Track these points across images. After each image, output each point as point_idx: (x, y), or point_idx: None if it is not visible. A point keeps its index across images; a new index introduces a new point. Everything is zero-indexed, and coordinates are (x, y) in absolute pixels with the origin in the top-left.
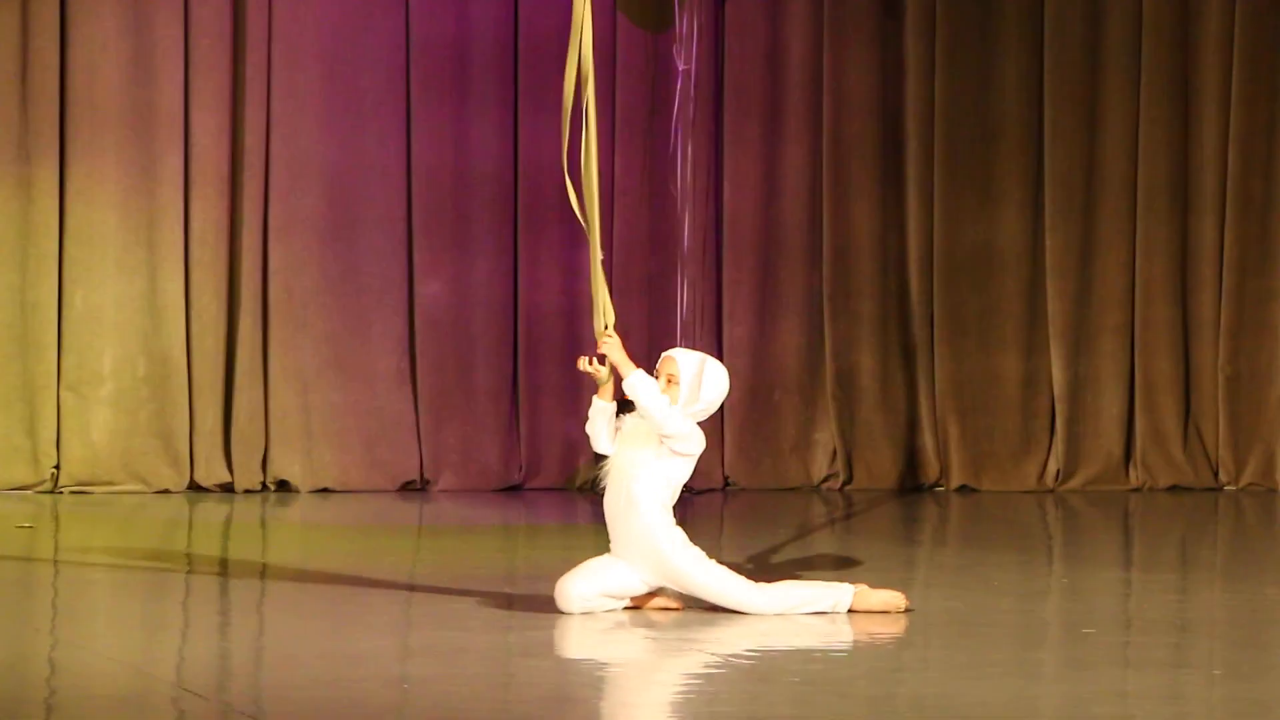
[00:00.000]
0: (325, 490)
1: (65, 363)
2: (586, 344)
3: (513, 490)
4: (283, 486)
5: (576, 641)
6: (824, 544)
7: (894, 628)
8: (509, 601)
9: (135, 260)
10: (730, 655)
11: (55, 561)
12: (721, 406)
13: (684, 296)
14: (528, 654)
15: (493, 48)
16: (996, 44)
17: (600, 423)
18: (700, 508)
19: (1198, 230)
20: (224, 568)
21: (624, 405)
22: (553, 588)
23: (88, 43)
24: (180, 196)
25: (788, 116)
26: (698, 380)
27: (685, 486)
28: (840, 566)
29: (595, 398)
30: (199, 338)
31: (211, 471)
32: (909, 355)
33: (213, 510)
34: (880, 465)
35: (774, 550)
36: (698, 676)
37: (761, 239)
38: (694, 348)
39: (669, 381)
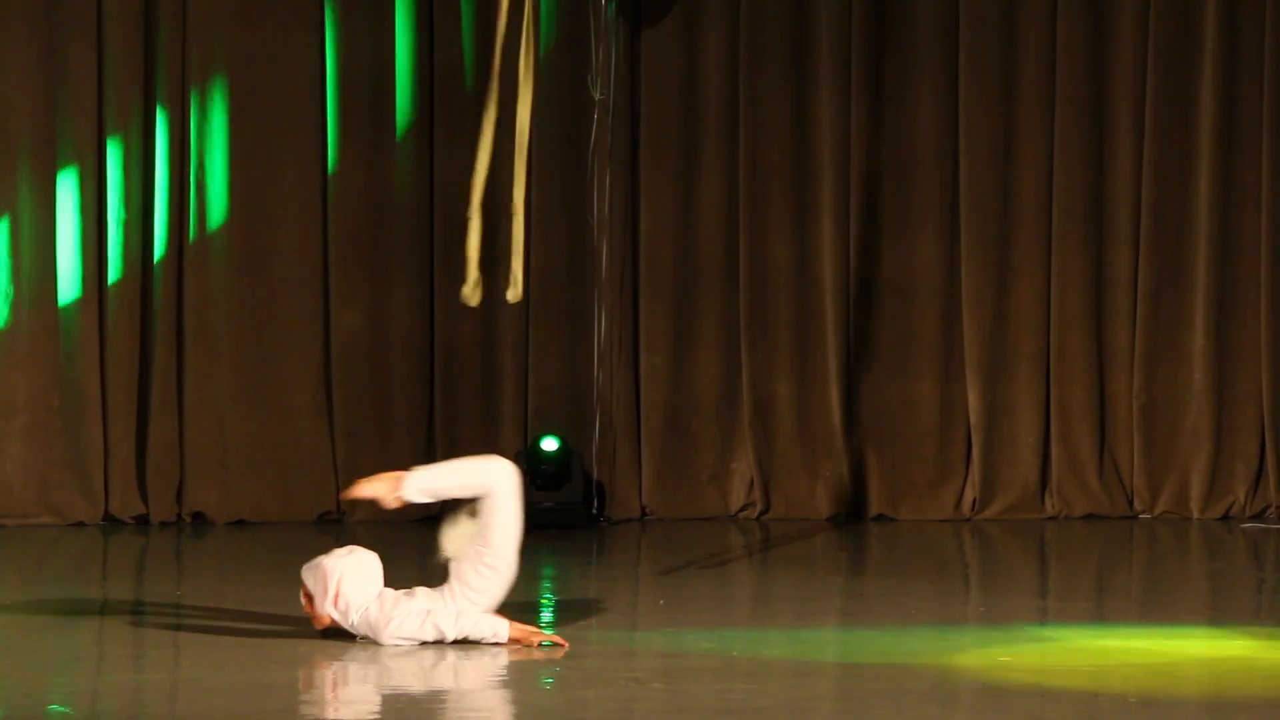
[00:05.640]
0: (241, 522)
1: None
2: (504, 374)
3: (430, 521)
4: (198, 518)
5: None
6: (742, 574)
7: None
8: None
9: (49, 291)
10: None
11: None
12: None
13: (601, 326)
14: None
15: (409, 78)
16: (912, 74)
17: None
18: (618, 537)
19: (1113, 259)
20: (138, 602)
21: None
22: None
23: (0, 73)
24: (94, 226)
25: (704, 146)
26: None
27: (604, 516)
28: (759, 597)
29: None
30: (113, 369)
31: (126, 504)
32: (826, 384)
33: (127, 543)
34: (798, 495)
35: (691, 581)
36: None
37: (678, 268)
38: (611, 378)
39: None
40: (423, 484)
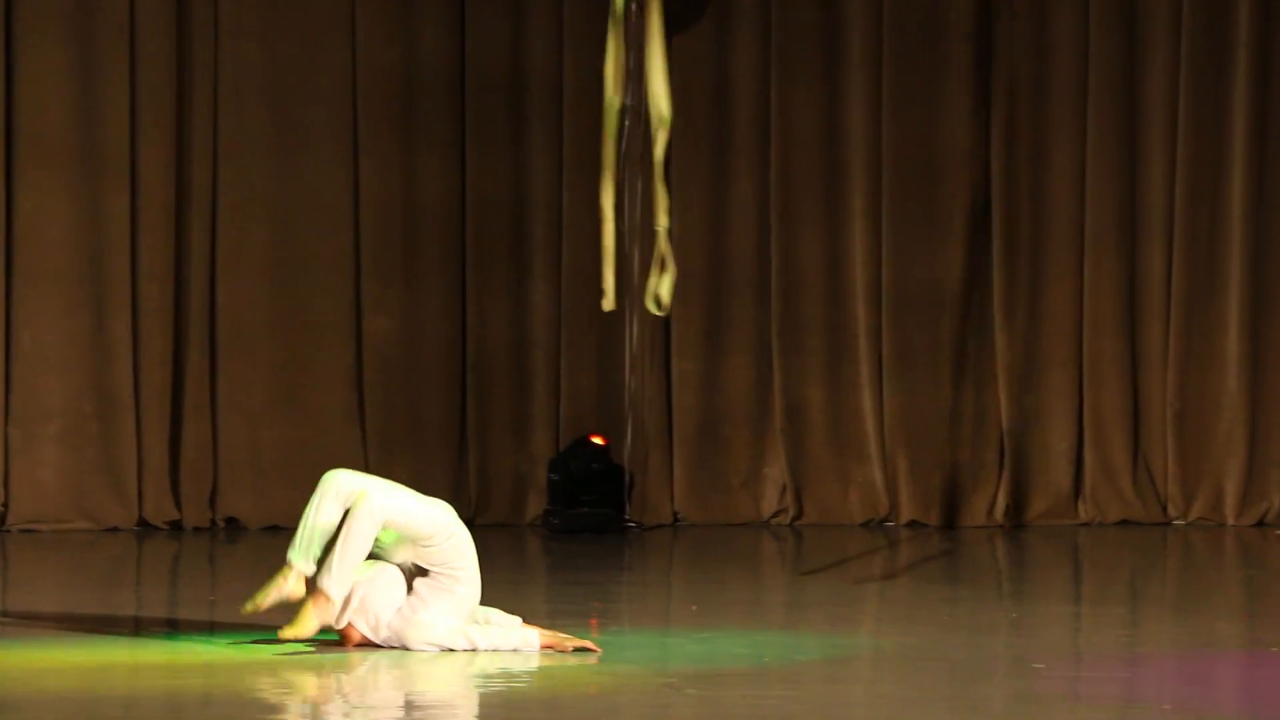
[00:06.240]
0: (275, 527)
1: (13, 400)
2: (536, 379)
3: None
4: (231, 523)
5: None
6: (773, 580)
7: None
8: None
9: (83, 296)
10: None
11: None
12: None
13: (633, 332)
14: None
15: (440, 81)
16: (943, 79)
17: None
18: (650, 543)
19: (1145, 263)
20: (172, 608)
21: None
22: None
23: (34, 79)
24: (127, 232)
25: (735, 152)
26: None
27: (635, 522)
28: (791, 602)
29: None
30: (147, 374)
31: (160, 508)
32: (858, 390)
33: (161, 548)
34: (830, 500)
35: (723, 586)
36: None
37: (710, 274)
38: (643, 383)
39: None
40: (336, 583)
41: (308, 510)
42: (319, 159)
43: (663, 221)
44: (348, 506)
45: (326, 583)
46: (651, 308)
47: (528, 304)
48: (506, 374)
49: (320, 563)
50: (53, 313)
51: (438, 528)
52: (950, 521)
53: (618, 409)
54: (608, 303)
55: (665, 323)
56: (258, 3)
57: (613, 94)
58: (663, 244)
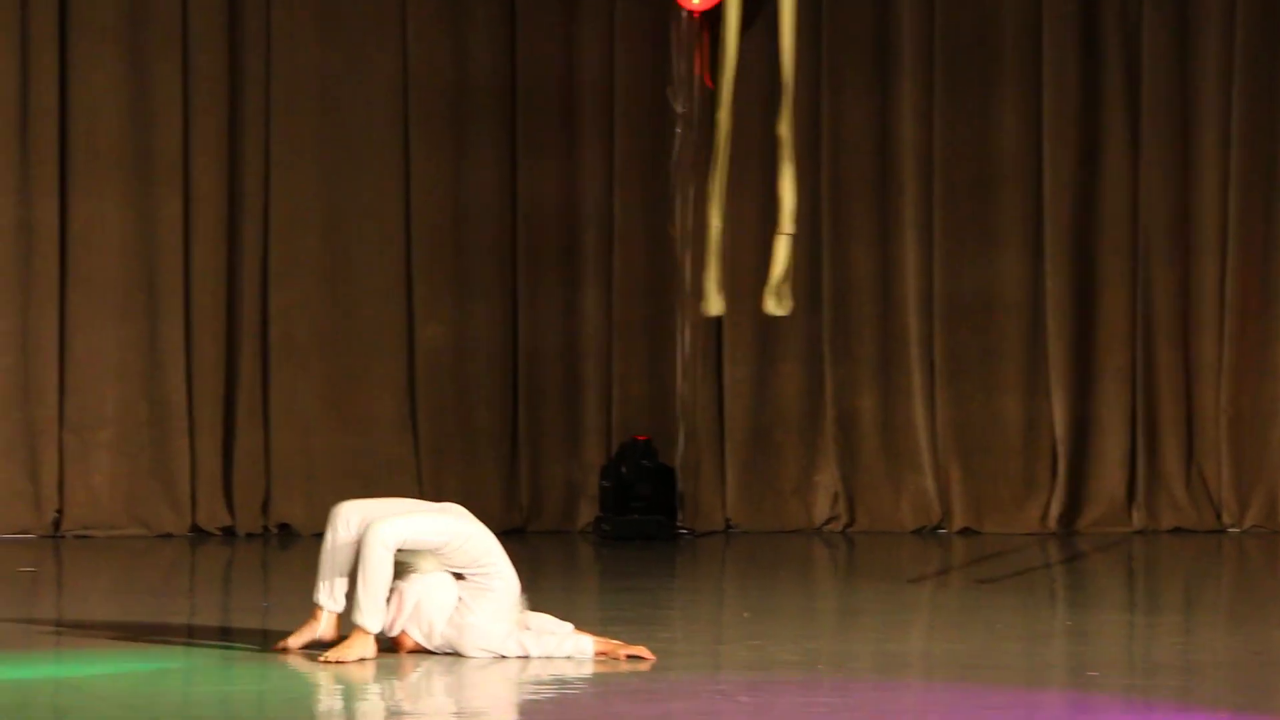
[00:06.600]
0: None
1: (67, 406)
2: (588, 386)
3: (514, 533)
4: (284, 530)
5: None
6: (826, 586)
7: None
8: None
9: (136, 304)
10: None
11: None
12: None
13: (685, 339)
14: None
15: (490, 89)
16: (995, 86)
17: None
18: (702, 550)
19: (1199, 271)
20: (225, 614)
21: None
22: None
23: (88, 88)
24: (180, 240)
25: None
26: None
27: (687, 528)
28: (843, 609)
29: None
30: (200, 381)
31: (213, 515)
32: (910, 397)
33: (214, 554)
34: (882, 508)
35: (775, 593)
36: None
37: (762, 281)
38: (694, 390)
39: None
40: (368, 616)
41: (323, 549)
42: (370, 167)
43: (789, 228)
44: (359, 536)
45: (360, 619)
46: (774, 308)
47: (579, 311)
48: (558, 381)
49: (349, 596)
50: (107, 320)
51: (450, 534)
52: (1003, 528)
53: (669, 416)
54: (714, 306)
55: (717, 330)
56: (309, 12)
57: (725, 102)
58: (783, 243)
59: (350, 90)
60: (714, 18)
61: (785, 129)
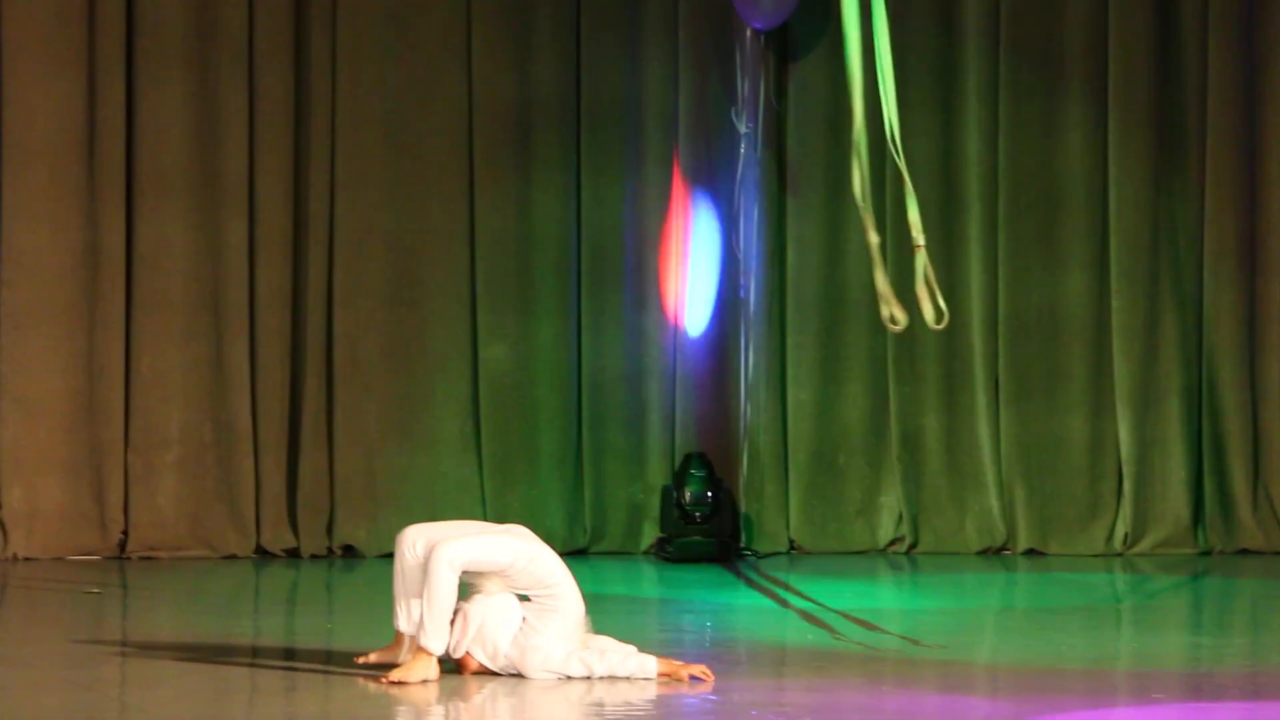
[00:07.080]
0: (391, 555)
1: (133, 427)
2: (651, 408)
3: (578, 554)
4: (349, 551)
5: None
6: (889, 608)
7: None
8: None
9: (201, 325)
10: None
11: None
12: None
13: (748, 359)
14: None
15: (555, 111)
16: (1060, 105)
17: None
18: (765, 571)
19: (1265, 292)
20: (290, 635)
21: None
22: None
23: (154, 110)
24: (245, 262)
25: (850, 179)
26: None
27: (750, 550)
28: (907, 630)
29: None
30: (264, 402)
31: (277, 536)
32: (974, 417)
33: (279, 575)
34: (947, 529)
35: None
36: None
37: (825, 301)
38: (758, 411)
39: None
40: (433, 638)
41: (394, 576)
42: (435, 189)
43: (920, 239)
44: (426, 558)
45: (424, 640)
46: (933, 322)
47: (642, 333)
48: (621, 403)
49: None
50: (172, 341)
51: (515, 555)
52: (1067, 550)
53: (733, 437)
54: (900, 318)
55: (780, 351)
56: (375, 34)
57: (858, 119)
58: (922, 257)
59: (415, 112)
60: (778, 38)
61: (894, 148)
